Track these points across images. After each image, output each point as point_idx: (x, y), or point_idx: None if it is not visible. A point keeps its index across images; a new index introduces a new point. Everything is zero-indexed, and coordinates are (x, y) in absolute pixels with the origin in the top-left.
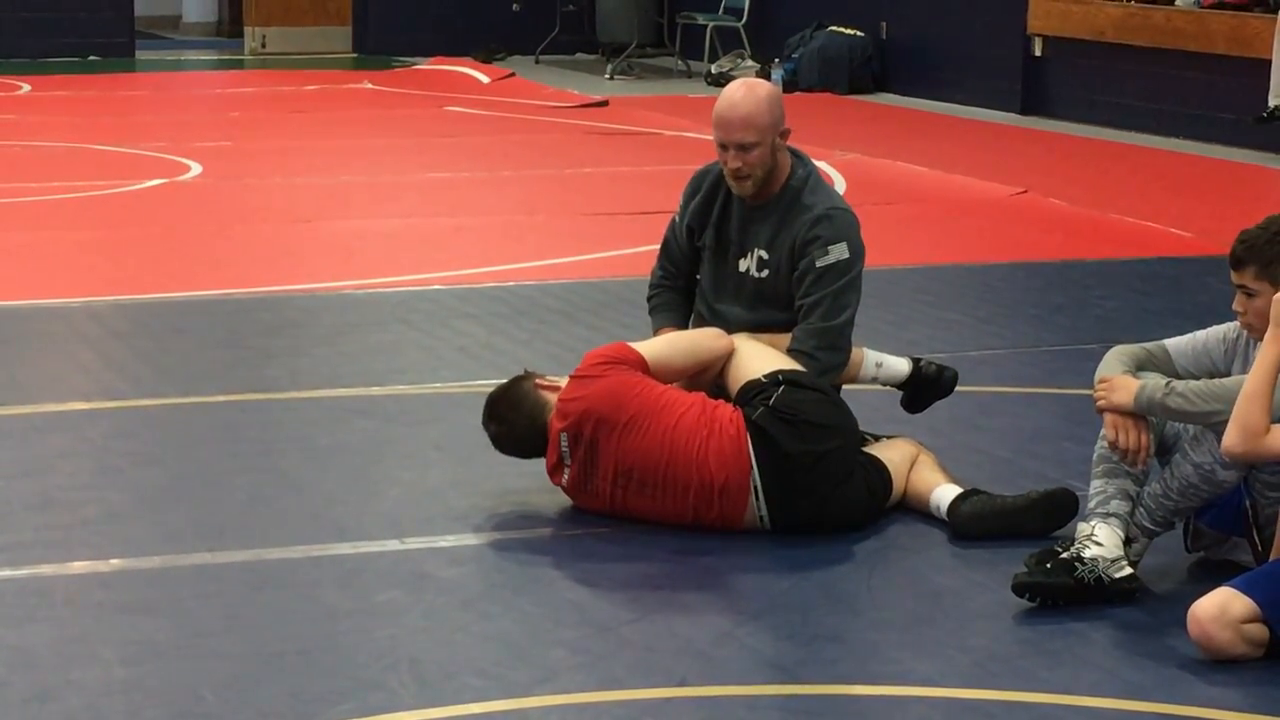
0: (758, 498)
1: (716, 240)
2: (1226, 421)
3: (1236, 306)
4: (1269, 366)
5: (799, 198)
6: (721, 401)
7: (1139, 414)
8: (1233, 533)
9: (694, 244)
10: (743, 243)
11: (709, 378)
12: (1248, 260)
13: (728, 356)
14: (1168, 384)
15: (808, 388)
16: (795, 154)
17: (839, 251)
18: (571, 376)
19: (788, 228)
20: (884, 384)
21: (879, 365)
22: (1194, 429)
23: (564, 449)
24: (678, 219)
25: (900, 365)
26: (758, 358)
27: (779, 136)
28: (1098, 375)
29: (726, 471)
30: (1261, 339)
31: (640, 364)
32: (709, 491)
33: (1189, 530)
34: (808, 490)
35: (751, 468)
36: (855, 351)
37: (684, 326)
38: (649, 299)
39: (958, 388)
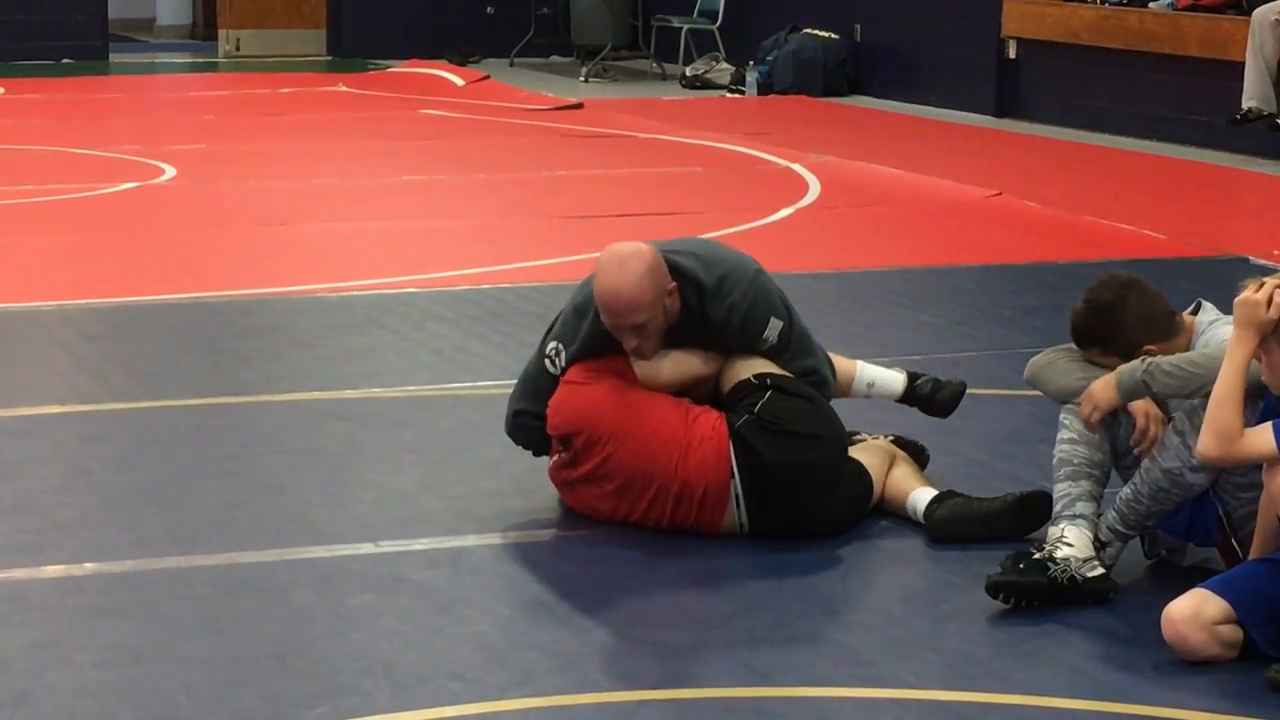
0: (738, 505)
1: None
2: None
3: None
4: (1237, 369)
5: (706, 315)
6: (705, 409)
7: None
8: (1199, 543)
9: None
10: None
11: (701, 394)
12: (1086, 343)
13: (718, 373)
14: (1145, 366)
15: (794, 394)
16: (674, 272)
17: (773, 331)
18: (561, 381)
19: (719, 339)
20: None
21: (870, 385)
22: (1163, 437)
23: (558, 445)
24: (560, 365)
25: (894, 385)
26: (751, 362)
27: (668, 297)
28: (1070, 393)
29: (706, 479)
30: None
31: (628, 371)
32: (688, 499)
33: (1145, 535)
34: (790, 500)
35: (732, 476)
36: (848, 366)
37: None
38: (527, 430)
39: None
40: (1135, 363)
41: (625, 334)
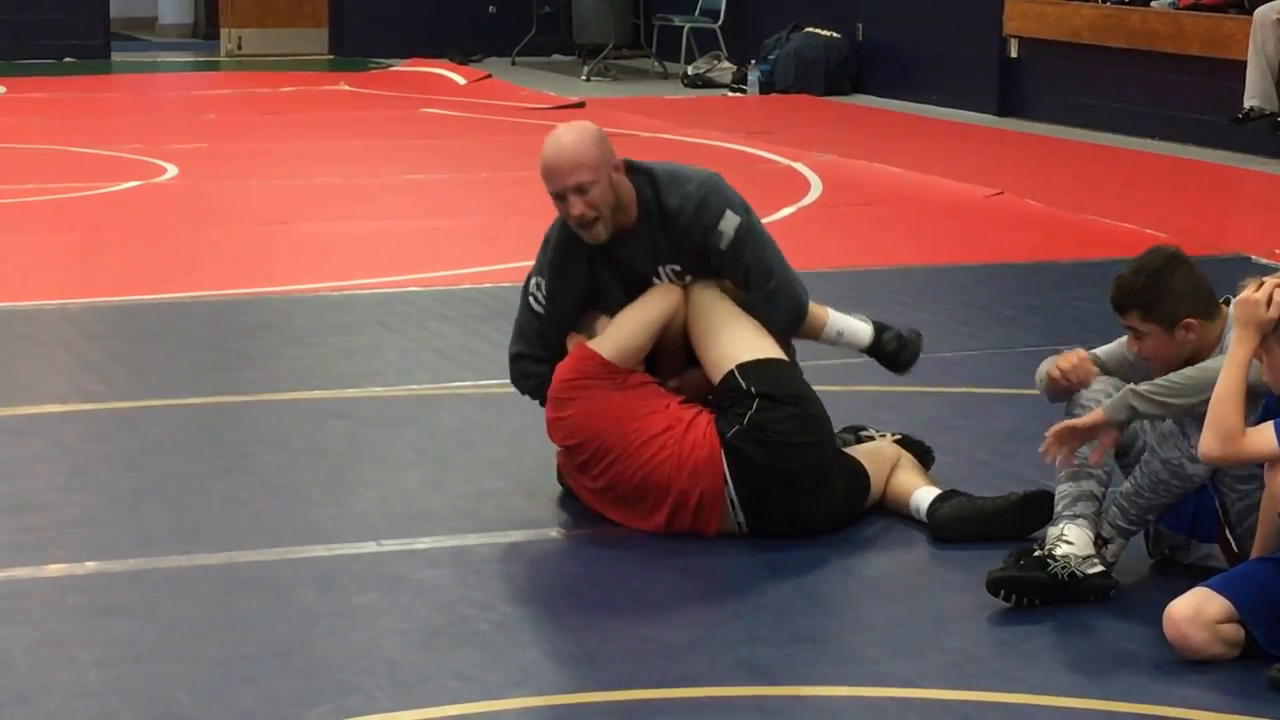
0: (734, 507)
1: (625, 295)
2: (1200, 407)
3: (1130, 347)
4: (1238, 368)
5: (662, 206)
6: (696, 413)
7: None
8: (1202, 539)
9: (568, 317)
10: (645, 270)
11: (675, 332)
12: (1129, 305)
13: (685, 307)
14: (1133, 389)
15: (782, 401)
16: (627, 164)
17: (729, 224)
18: (550, 396)
19: (677, 239)
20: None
21: (840, 334)
22: (1161, 427)
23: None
24: (545, 298)
25: (861, 338)
26: (725, 327)
27: (614, 171)
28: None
29: (701, 486)
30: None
31: (604, 367)
32: (684, 507)
33: (1149, 534)
34: (786, 503)
35: (726, 483)
36: (820, 312)
37: None
38: (526, 377)
39: (936, 388)
40: (1121, 392)
41: (570, 199)
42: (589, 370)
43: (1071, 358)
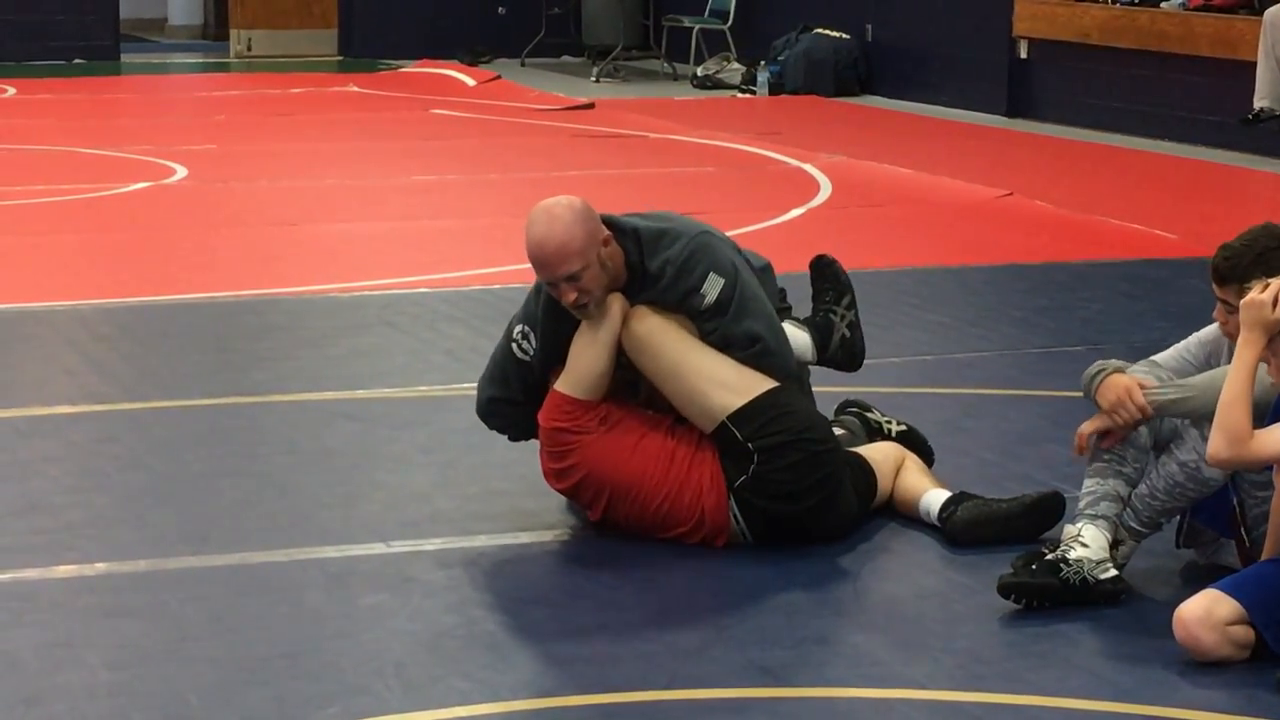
0: (744, 535)
1: None
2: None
3: (1217, 317)
4: (1246, 370)
5: (645, 271)
6: (695, 447)
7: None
8: (1225, 534)
9: (559, 358)
10: None
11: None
12: (1232, 278)
13: (627, 332)
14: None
15: (782, 449)
16: (612, 226)
17: (711, 288)
18: (544, 447)
19: (658, 301)
20: None
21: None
22: (1179, 427)
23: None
24: (529, 349)
25: (808, 355)
26: (695, 373)
27: (604, 246)
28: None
29: (710, 523)
30: None
31: (581, 407)
32: (690, 536)
33: (1182, 527)
34: (798, 530)
35: (737, 521)
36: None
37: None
38: (498, 416)
39: (945, 389)
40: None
41: (563, 288)
42: (569, 414)
43: (1119, 392)
